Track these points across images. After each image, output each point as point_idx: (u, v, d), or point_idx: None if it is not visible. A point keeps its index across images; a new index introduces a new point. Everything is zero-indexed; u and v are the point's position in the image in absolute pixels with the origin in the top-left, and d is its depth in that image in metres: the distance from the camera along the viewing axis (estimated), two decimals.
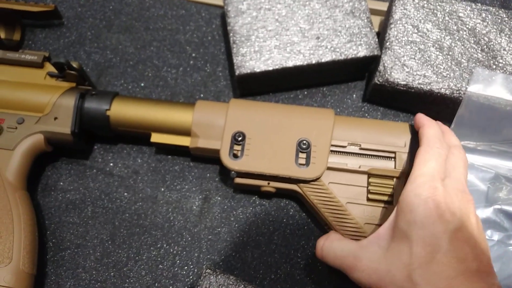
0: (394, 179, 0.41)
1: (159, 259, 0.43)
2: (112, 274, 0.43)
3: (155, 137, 0.44)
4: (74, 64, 0.45)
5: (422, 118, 0.40)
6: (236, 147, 0.42)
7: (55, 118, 0.44)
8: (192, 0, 0.57)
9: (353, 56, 0.46)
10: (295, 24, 0.47)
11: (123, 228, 0.45)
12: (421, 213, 0.31)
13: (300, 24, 0.47)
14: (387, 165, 0.41)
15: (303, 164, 0.41)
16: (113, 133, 0.46)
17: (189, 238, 0.44)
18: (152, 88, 0.52)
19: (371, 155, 0.42)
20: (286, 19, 0.48)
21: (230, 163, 0.41)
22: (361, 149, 0.42)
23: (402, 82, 0.46)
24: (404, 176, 0.40)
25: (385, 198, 0.40)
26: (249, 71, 0.46)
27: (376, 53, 0.47)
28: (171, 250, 0.44)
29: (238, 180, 0.42)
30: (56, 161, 0.48)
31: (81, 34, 0.55)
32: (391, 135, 0.42)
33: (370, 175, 0.41)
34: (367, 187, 0.41)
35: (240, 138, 0.42)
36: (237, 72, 0.46)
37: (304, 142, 0.41)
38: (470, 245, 0.31)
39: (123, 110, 0.44)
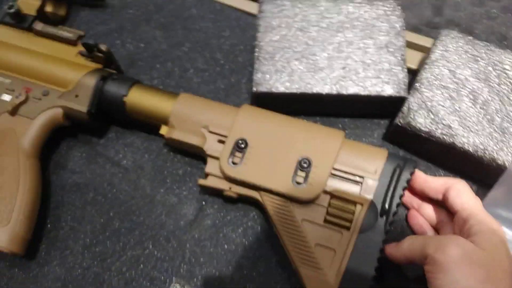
0: (356, 205, 0.41)
1: (141, 258, 0.46)
2: (95, 263, 0.46)
3: (165, 130, 0.47)
4: (103, 47, 0.48)
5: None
6: (238, 154, 0.43)
7: (76, 96, 0.48)
8: (233, 7, 0.59)
9: (377, 93, 0.46)
10: (324, 50, 0.48)
11: (116, 220, 0.48)
12: None
13: (329, 51, 0.48)
14: (352, 189, 0.42)
15: (300, 183, 0.42)
16: (127, 118, 0.49)
17: (175, 245, 0.46)
18: (176, 88, 0.55)
19: (338, 176, 0.42)
20: (316, 43, 0.48)
21: (228, 169, 0.43)
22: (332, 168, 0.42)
23: (424, 129, 0.45)
24: (367, 204, 0.40)
25: (343, 222, 0.41)
26: (266, 90, 0.47)
27: (403, 94, 0.46)
28: (155, 253, 0.46)
29: (202, 182, 0.44)
30: (72, 141, 0.52)
31: (121, 23, 0.59)
32: (364, 159, 0.42)
33: (332, 196, 0.42)
34: (327, 207, 0.41)
35: (242, 146, 0.43)
36: (254, 89, 0.47)
37: (305, 160, 0.42)
38: None
39: (139, 99, 0.47)
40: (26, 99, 0.48)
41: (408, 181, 0.41)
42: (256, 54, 0.49)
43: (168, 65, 0.56)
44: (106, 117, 0.51)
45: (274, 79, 0.47)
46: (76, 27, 0.60)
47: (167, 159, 0.51)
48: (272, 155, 0.43)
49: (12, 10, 0.51)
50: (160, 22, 0.59)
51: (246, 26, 0.58)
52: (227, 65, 0.56)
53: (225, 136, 0.44)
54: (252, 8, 0.58)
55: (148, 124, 0.49)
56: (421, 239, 0.37)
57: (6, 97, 0.49)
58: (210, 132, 0.45)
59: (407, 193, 0.44)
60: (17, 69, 0.50)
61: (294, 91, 0.47)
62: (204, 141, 0.45)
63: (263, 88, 0.47)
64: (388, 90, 0.46)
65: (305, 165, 0.42)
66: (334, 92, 0.46)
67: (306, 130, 0.44)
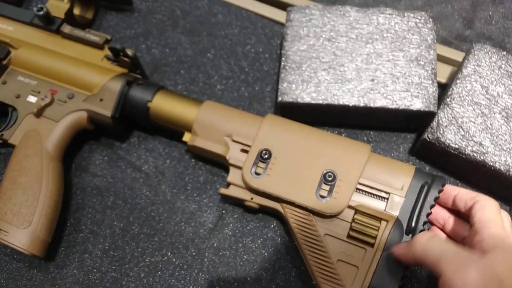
0: (381, 221, 0.40)
1: (160, 265, 0.45)
2: (113, 268, 0.46)
3: (188, 137, 0.46)
4: (129, 52, 0.48)
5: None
6: (261, 164, 0.43)
7: (101, 100, 0.48)
8: (260, 14, 0.59)
9: (406, 107, 0.45)
10: (352, 61, 0.47)
11: (136, 225, 0.48)
12: None
13: (357, 62, 0.47)
14: (378, 205, 0.41)
15: (324, 197, 0.41)
16: (150, 124, 0.49)
17: (194, 253, 0.46)
18: (199, 95, 0.55)
19: (363, 191, 0.41)
20: (344, 54, 0.47)
21: (250, 180, 0.42)
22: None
23: (454, 145, 0.43)
24: (393, 221, 0.40)
25: (367, 239, 0.40)
26: (291, 100, 0.46)
27: (432, 109, 0.45)
28: (174, 260, 0.46)
29: (223, 191, 0.44)
30: (94, 144, 0.52)
31: (147, 28, 0.59)
32: (391, 174, 0.41)
33: (356, 211, 0.41)
34: (351, 223, 0.40)
35: (266, 156, 0.43)
36: (279, 99, 0.47)
37: (330, 173, 0.41)
38: None
39: (163, 105, 0.47)
40: (52, 101, 0.49)
41: (436, 199, 0.40)
42: (282, 63, 0.48)
43: (193, 71, 0.56)
44: (129, 121, 0.51)
45: (300, 89, 0.46)
46: (103, 30, 0.60)
47: (188, 166, 0.50)
48: (296, 167, 0.42)
49: (41, 13, 0.51)
50: (186, 28, 0.59)
51: (273, 34, 0.57)
52: (252, 73, 0.55)
53: (249, 146, 0.44)
54: (279, 16, 0.58)
55: (171, 130, 0.49)
56: (438, 248, 0.34)
57: (32, 99, 0.49)
58: (233, 141, 0.45)
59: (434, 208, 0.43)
60: (43, 71, 0.50)
61: (320, 102, 0.46)
62: (227, 150, 0.45)
63: (288, 98, 0.46)
64: (418, 105, 0.45)
65: (329, 179, 0.41)
66: (361, 104, 0.45)
67: (332, 142, 0.43)
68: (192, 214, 0.48)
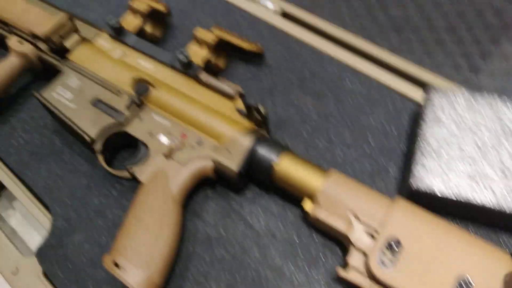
0: None
1: None
2: None
3: (309, 207, 0.45)
4: (262, 110, 0.49)
5: None
6: (387, 254, 0.41)
7: (229, 152, 0.48)
8: (390, 87, 0.57)
9: None
10: (496, 156, 0.44)
11: (242, 285, 0.47)
12: None
13: (504, 161, 0.43)
14: None
15: None
16: (271, 184, 0.49)
17: None
18: (318, 159, 0.54)
19: None
20: (489, 149, 0.44)
21: (377, 270, 0.40)
22: None
23: None
24: None
25: None
26: (426, 188, 0.44)
27: None
28: None
29: (342, 274, 0.42)
30: (210, 192, 0.53)
31: (275, 84, 0.60)
32: None
33: None
34: None
35: (395, 246, 0.41)
36: (413, 185, 0.44)
37: (467, 282, 0.38)
38: None
39: (288, 167, 0.47)
40: (183, 145, 0.50)
41: None
42: (417, 145, 0.46)
43: (314, 134, 0.56)
44: (249, 177, 0.51)
45: (435, 178, 0.44)
46: (231, 79, 0.62)
47: (301, 232, 0.49)
48: (428, 265, 0.39)
49: (183, 57, 0.54)
50: (312, 90, 0.59)
51: (402, 109, 0.56)
52: (376, 146, 0.54)
53: (375, 229, 0.42)
54: (413, 93, 0.56)
55: (289, 192, 0.48)
56: None
57: (163, 139, 0.51)
58: (358, 220, 0.43)
59: None
60: (177, 113, 0.52)
61: (459, 197, 0.43)
62: (350, 229, 0.43)
63: (422, 185, 0.44)
64: None
65: (466, 287, 0.38)
66: (505, 209, 0.42)
67: (469, 244, 0.40)
68: (302, 287, 0.46)
